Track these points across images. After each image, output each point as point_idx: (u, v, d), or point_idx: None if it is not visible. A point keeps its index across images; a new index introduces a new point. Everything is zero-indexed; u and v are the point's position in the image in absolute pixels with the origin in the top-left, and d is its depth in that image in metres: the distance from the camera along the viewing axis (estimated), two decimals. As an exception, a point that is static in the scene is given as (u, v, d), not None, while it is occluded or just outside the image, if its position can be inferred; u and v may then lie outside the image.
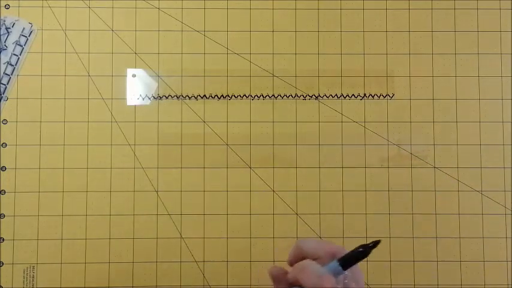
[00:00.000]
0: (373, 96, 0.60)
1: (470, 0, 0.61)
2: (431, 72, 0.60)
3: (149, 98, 0.60)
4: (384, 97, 0.60)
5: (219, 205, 0.59)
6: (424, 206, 0.59)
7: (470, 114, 0.60)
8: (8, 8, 0.60)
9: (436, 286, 0.58)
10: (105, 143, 0.59)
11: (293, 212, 0.59)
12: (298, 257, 0.36)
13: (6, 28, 0.59)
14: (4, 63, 0.59)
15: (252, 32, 0.60)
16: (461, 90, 0.60)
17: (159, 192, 0.59)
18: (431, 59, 0.60)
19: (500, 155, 0.59)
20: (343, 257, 0.34)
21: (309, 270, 0.33)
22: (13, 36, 0.59)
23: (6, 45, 0.59)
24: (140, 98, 0.60)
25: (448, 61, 0.60)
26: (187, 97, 0.60)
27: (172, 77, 0.60)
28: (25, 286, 0.57)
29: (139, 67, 0.60)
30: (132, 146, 0.59)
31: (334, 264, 0.34)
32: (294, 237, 0.58)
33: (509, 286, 0.58)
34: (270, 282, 0.36)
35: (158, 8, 0.60)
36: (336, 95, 0.60)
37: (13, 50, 0.59)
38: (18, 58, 0.59)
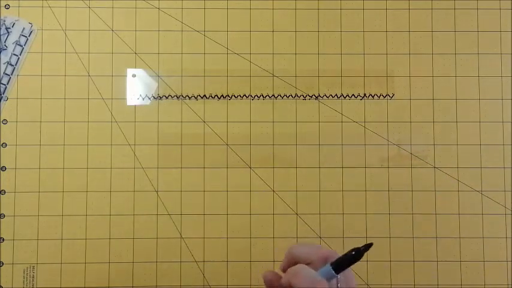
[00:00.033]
0: (373, 96, 0.60)
1: (470, 0, 0.61)
2: (431, 72, 0.60)
3: (149, 98, 0.60)
4: (384, 97, 0.60)
5: (219, 205, 0.59)
6: (424, 206, 0.59)
7: (470, 114, 0.60)
8: (8, 8, 0.60)
9: (436, 286, 0.58)
10: (105, 143, 0.59)
11: (293, 212, 0.59)
12: (291, 263, 0.36)
13: (6, 28, 0.59)
14: (4, 63, 0.59)
15: (252, 32, 0.60)
16: (461, 90, 0.60)
17: (159, 192, 0.59)
18: (431, 59, 0.60)
19: (500, 155, 0.59)
20: (336, 260, 0.34)
21: (302, 274, 0.34)
22: (13, 36, 0.59)
23: (6, 45, 0.59)
24: (140, 98, 0.60)
25: (448, 61, 0.60)
26: (187, 97, 0.60)
27: (172, 77, 0.60)
28: (25, 286, 0.57)
29: (139, 67, 0.60)
30: (132, 146, 0.59)
31: (327, 268, 0.34)
32: (294, 237, 0.58)
33: (509, 286, 0.58)
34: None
35: (158, 8, 0.60)
36: (336, 95, 0.60)
37: (13, 50, 0.59)
38: (18, 58, 0.59)
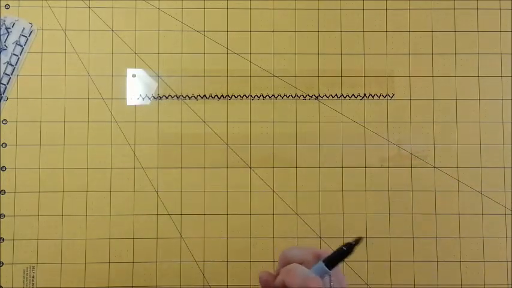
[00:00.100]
0: (373, 96, 0.60)
1: (470, 0, 0.61)
2: (431, 72, 0.60)
3: (149, 98, 0.60)
4: (384, 97, 0.60)
5: (219, 205, 0.59)
6: (424, 206, 0.59)
7: (470, 114, 0.60)
8: (8, 8, 0.60)
9: (436, 286, 0.58)
10: (105, 143, 0.59)
11: (293, 212, 0.59)
12: (285, 265, 0.36)
13: (6, 28, 0.59)
14: (4, 63, 0.59)
15: (252, 32, 0.60)
16: (461, 90, 0.60)
17: (159, 192, 0.59)
18: (431, 59, 0.60)
19: (500, 155, 0.59)
20: (328, 257, 0.35)
21: (295, 272, 0.34)
22: (13, 36, 0.59)
23: (6, 45, 0.59)
24: (140, 98, 0.60)
25: (448, 61, 0.60)
26: (187, 97, 0.60)
27: (172, 77, 0.60)
28: (25, 286, 0.57)
29: (139, 67, 0.60)
30: (132, 146, 0.59)
31: (320, 264, 0.35)
32: (294, 237, 0.58)
33: (509, 286, 0.58)
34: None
35: (158, 8, 0.60)
36: (336, 95, 0.60)
37: (13, 50, 0.59)
38: (18, 58, 0.59)
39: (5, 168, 0.58)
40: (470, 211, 0.59)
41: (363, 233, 0.58)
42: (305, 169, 0.59)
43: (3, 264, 0.57)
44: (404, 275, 0.58)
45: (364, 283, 0.58)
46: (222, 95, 0.60)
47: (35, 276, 0.57)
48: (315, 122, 0.59)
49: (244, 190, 0.59)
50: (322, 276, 0.34)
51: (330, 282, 0.35)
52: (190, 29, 0.60)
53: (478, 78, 0.60)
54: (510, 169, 0.59)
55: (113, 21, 0.60)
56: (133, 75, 0.60)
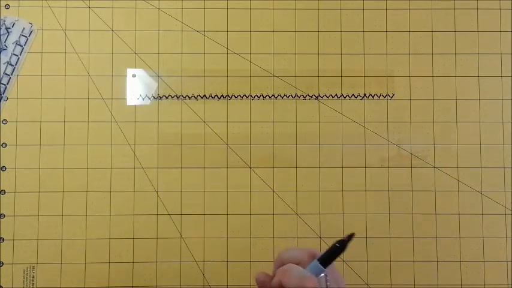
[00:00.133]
0: (373, 96, 0.60)
1: (470, 0, 0.61)
2: (431, 72, 0.60)
3: (149, 98, 0.60)
4: (384, 97, 0.60)
5: (219, 205, 0.59)
6: (424, 206, 0.59)
7: (470, 114, 0.60)
8: (8, 8, 0.60)
9: (436, 286, 0.58)
10: (105, 143, 0.59)
11: (293, 212, 0.59)
12: (281, 266, 0.37)
13: (6, 28, 0.59)
14: (4, 63, 0.59)
15: (252, 32, 0.60)
16: (461, 90, 0.60)
17: (159, 192, 0.59)
18: (431, 59, 0.60)
19: (500, 155, 0.59)
20: (322, 255, 0.35)
21: (291, 272, 0.34)
22: (13, 36, 0.59)
23: (6, 45, 0.59)
24: (140, 98, 0.60)
25: (448, 61, 0.60)
26: (187, 97, 0.60)
27: (172, 77, 0.60)
28: (25, 286, 0.57)
29: (139, 67, 0.60)
30: (132, 146, 0.59)
31: (315, 263, 0.35)
32: (294, 237, 0.58)
33: (509, 286, 0.58)
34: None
35: (158, 8, 0.60)
36: (336, 95, 0.60)
37: (13, 50, 0.59)
38: (18, 58, 0.59)
39: (5, 168, 0.58)
40: (470, 211, 0.59)
41: (363, 233, 0.58)
42: (305, 169, 0.59)
43: (3, 264, 0.57)
44: (404, 275, 0.58)
45: (364, 283, 0.58)
46: (222, 95, 0.60)
47: (35, 276, 0.57)
48: (315, 122, 0.59)
49: (244, 190, 0.59)
50: (318, 275, 0.34)
51: (326, 282, 0.35)
52: (190, 29, 0.60)
53: (478, 78, 0.60)
54: (510, 169, 0.59)
55: (113, 21, 0.60)
56: (133, 75, 0.60)
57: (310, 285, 0.33)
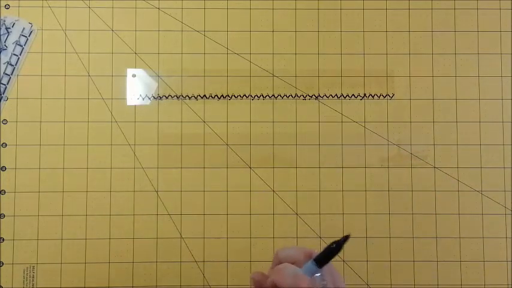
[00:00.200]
0: (373, 96, 0.60)
1: (470, 0, 0.61)
2: (431, 72, 0.60)
3: (149, 98, 0.60)
4: (384, 97, 0.60)
5: (219, 205, 0.59)
6: (424, 206, 0.59)
7: (470, 114, 0.60)
8: (8, 8, 0.60)
9: (436, 286, 0.58)
10: (105, 143, 0.59)
11: (293, 212, 0.59)
12: (277, 265, 0.37)
13: (6, 28, 0.59)
14: (4, 63, 0.59)
15: (252, 32, 0.60)
16: (461, 90, 0.60)
17: (159, 192, 0.59)
18: (431, 59, 0.60)
19: (500, 155, 0.59)
20: (317, 256, 0.35)
21: (285, 271, 0.34)
22: (13, 36, 0.59)
23: (6, 45, 0.59)
24: (140, 98, 0.60)
25: (448, 61, 0.60)
26: (187, 97, 0.60)
27: (172, 77, 0.60)
28: (25, 286, 0.57)
29: (139, 67, 0.60)
30: (132, 146, 0.59)
31: (310, 264, 0.35)
32: (294, 237, 0.58)
33: (509, 286, 0.58)
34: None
35: (158, 8, 0.60)
36: (336, 95, 0.60)
37: (13, 50, 0.59)
38: (18, 58, 0.59)
39: (5, 168, 0.58)
40: (470, 211, 0.59)
41: (363, 233, 0.58)
42: (305, 169, 0.59)
43: (3, 264, 0.57)
44: (404, 275, 0.58)
45: (364, 283, 0.58)
46: (222, 95, 0.60)
47: (35, 276, 0.57)
48: (315, 122, 0.59)
49: (244, 190, 0.59)
50: (312, 275, 0.34)
51: (322, 281, 0.35)
52: (190, 29, 0.60)
53: (478, 78, 0.60)
54: (510, 169, 0.59)
55: (113, 21, 0.60)
56: (133, 75, 0.60)
57: (303, 285, 0.33)
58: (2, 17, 0.59)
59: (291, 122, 0.59)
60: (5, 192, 0.58)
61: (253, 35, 0.60)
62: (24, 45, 0.59)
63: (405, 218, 0.59)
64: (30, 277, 0.57)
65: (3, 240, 0.58)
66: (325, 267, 0.35)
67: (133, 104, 0.59)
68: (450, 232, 0.59)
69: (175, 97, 0.59)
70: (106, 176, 0.58)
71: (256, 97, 0.60)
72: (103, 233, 0.58)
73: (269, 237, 0.58)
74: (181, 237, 0.58)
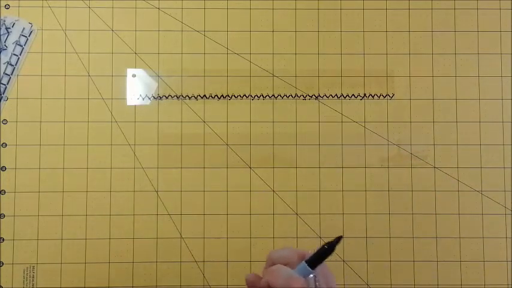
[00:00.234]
0: (373, 96, 0.60)
1: (470, 0, 0.61)
2: (431, 72, 0.60)
3: (149, 98, 0.60)
4: (384, 97, 0.60)
5: (219, 205, 0.59)
6: (424, 206, 0.59)
7: (470, 114, 0.60)
8: (8, 8, 0.60)
9: (436, 286, 0.58)
10: (105, 143, 0.59)
11: (293, 212, 0.59)
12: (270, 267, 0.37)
13: (6, 28, 0.59)
14: (4, 63, 0.59)
15: (252, 32, 0.60)
16: (461, 90, 0.60)
17: (159, 192, 0.59)
18: (431, 59, 0.60)
19: (500, 155, 0.59)
20: (310, 257, 0.35)
21: (278, 273, 0.35)
22: (13, 36, 0.59)
23: (6, 45, 0.59)
24: (140, 98, 0.60)
25: (448, 61, 0.60)
26: (187, 97, 0.60)
27: (172, 77, 0.60)
28: (25, 286, 0.57)
29: (139, 67, 0.60)
30: (132, 146, 0.59)
31: (302, 265, 0.35)
32: (294, 237, 0.58)
33: (509, 286, 0.58)
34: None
35: (158, 8, 0.60)
36: (336, 95, 0.60)
37: (13, 50, 0.59)
38: (18, 58, 0.59)
39: (5, 168, 0.58)
40: (470, 211, 0.59)
41: (363, 233, 0.58)
42: (305, 169, 0.59)
43: (3, 264, 0.57)
44: (404, 275, 0.58)
45: (364, 283, 0.58)
46: (222, 95, 0.60)
47: (35, 276, 0.57)
48: (315, 122, 0.59)
49: (244, 190, 0.59)
50: (305, 276, 0.34)
51: (315, 282, 0.35)
52: (190, 29, 0.60)
53: (478, 78, 0.60)
54: (510, 169, 0.59)
55: (113, 21, 0.60)
56: (133, 75, 0.60)
57: (296, 286, 0.33)
58: (2, 17, 0.59)
59: (291, 122, 0.59)
60: (5, 192, 0.58)
61: (253, 35, 0.60)
62: (24, 45, 0.59)
63: (405, 218, 0.59)
64: (30, 277, 0.57)
65: (3, 240, 0.58)
66: (318, 268, 0.35)
67: (134, 104, 0.59)
68: (450, 232, 0.59)
69: (175, 97, 0.59)
70: (106, 176, 0.58)
71: (256, 97, 0.60)
72: (103, 233, 0.58)
73: (269, 237, 0.58)
74: (181, 237, 0.58)
